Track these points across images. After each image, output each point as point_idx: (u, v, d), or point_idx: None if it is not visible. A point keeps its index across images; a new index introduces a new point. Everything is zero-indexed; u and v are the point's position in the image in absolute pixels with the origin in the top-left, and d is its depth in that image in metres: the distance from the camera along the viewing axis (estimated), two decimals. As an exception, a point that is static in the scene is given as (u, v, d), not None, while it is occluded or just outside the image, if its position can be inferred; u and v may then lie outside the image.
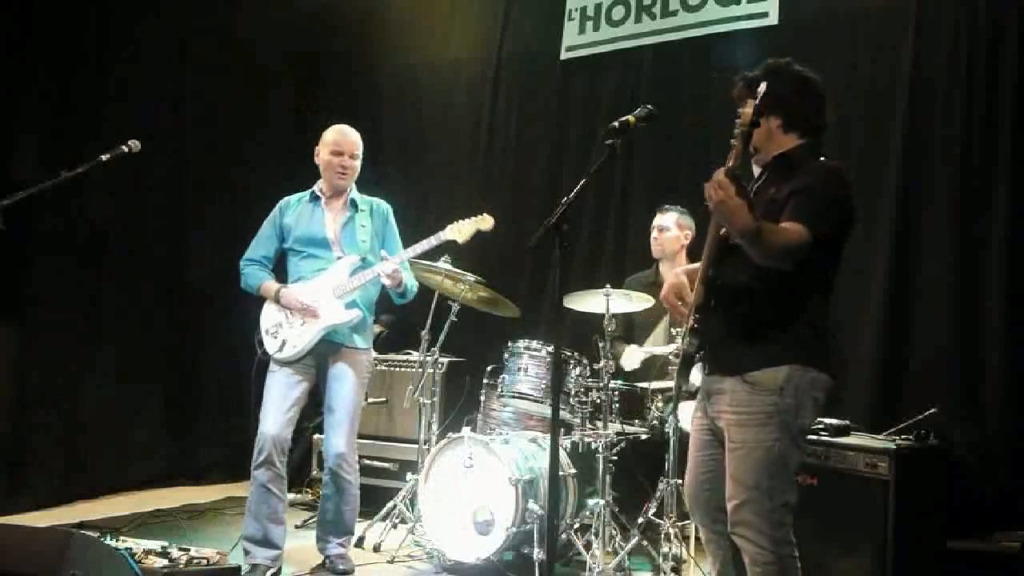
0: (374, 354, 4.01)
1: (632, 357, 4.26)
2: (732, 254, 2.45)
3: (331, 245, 3.76)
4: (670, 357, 2.90)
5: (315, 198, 3.84)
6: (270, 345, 3.71)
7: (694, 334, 2.50)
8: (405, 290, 3.78)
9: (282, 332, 3.70)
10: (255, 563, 3.55)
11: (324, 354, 3.72)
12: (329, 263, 3.75)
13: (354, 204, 3.84)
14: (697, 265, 2.72)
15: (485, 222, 3.81)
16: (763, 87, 2.43)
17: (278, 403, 3.64)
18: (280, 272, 3.87)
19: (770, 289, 2.43)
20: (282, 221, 3.84)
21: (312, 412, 5.78)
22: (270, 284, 3.77)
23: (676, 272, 2.73)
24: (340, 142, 3.79)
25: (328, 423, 3.74)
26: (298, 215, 3.83)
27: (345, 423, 3.70)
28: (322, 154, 3.80)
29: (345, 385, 3.71)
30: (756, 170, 2.63)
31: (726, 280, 2.49)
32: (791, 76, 2.55)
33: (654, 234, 4.39)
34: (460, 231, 3.76)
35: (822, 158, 2.53)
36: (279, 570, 3.60)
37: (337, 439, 3.69)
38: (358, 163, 3.82)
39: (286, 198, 3.91)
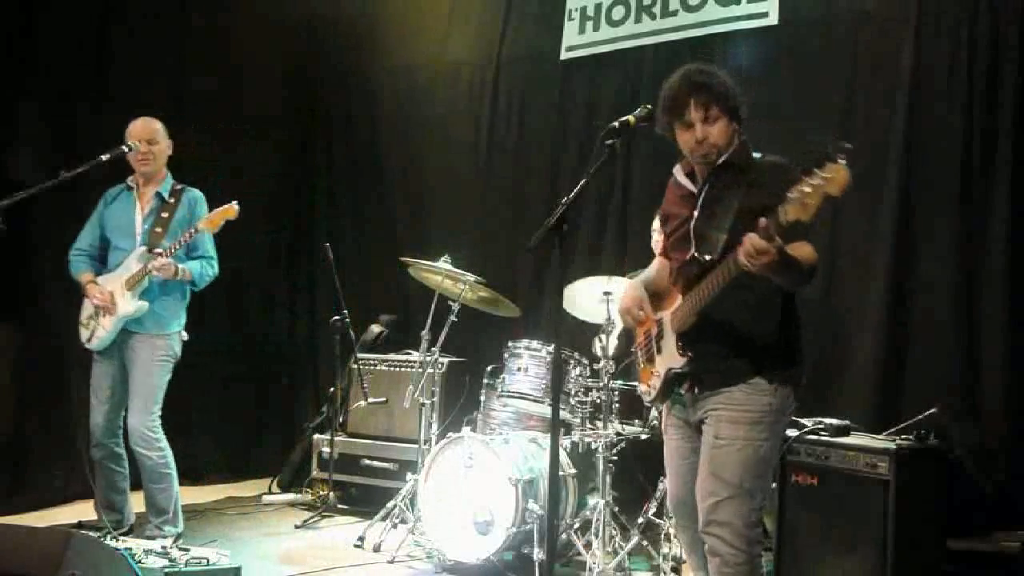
0: (185, 336, 4.12)
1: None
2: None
3: (136, 237, 4.00)
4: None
5: (129, 189, 4.08)
6: (83, 335, 4.01)
7: (690, 363, 2.49)
8: (193, 280, 4.00)
9: (92, 322, 3.99)
10: (101, 526, 3.94)
11: (124, 341, 3.97)
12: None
13: (159, 196, 4.05)
14: (643, 274, 2.76)
15: (230, 211, 3.92)
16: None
17: (99, 393, 3.99)
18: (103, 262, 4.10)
19: (767, 305, 2.45)
20: (103, 212, 4.09)
21: (312, 413, 5.82)
22: (85, 276, 4.03)
23: (633, 285, 2.71)
24: (134, 132, 3.98)
25: (128, 403, 3.97)
26: (113, 208, 4.08)
27: (137, 400, 3.93)
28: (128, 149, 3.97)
29: (138, 368, 3.95)
30: (699, 169, 2.56)
31: (724, 307, 2.42)
32: (726, 78, 2.51)
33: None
34: (210, 221, 3.89)
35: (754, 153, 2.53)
36: (129, 529, 4.04)
37: (131, 415, 3.94)
38: (158, 147, 4.03)
39: (110, 189, 4.12)
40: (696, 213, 2.53)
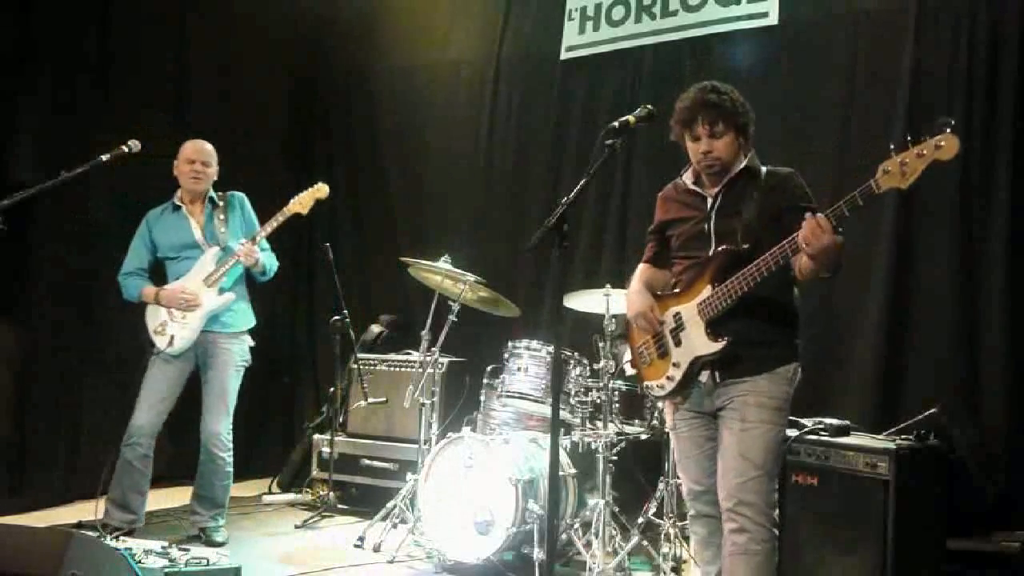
0: (251, 341, 4.29)
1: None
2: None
3: (201, 245, 4.18)
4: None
5: (176, 208, 4.25)
6: (160, 343, 4.10)
7: (729, 346, 2.58)
8: (264, 269, 4.24)
9: (169, 328, 4.10)
10: (108, 522, 3.96)
11: (202, 342, 4.14)
12: None
13: (212, 201, 4.28)
14: (638, 281, 2.88)
15: (320, 191, 4.33)
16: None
17: (153, 395, 4.08)
18: (158, 279, 4.24)
19: (785, 290, 2.66)
20: (151, 235, 4.23)
21: (312, 412, 5.82)
22: (149, 289, 4.16)
23: (638, 292, 2.84)
24: (192, 153, 4.21)
25: (204, 405, 4.16)
26: (164, 226, 4.23)
27: (219, 405, 4.13)
28: (180, 166, 4.21)
29: (219, 372, 4.14)
30: (707, 178, 2.72)
31: (757, 294, 2.55)
32: (737, 96, 2.71)
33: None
34: (301, 203, 4.26)
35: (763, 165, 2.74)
36: (131, 531, 3.98)
37: (210, 419, 4.13)
38: (211, 170, 4.24)
39: (151, 212, 4.28)
40: (713, 214, 2.69)
